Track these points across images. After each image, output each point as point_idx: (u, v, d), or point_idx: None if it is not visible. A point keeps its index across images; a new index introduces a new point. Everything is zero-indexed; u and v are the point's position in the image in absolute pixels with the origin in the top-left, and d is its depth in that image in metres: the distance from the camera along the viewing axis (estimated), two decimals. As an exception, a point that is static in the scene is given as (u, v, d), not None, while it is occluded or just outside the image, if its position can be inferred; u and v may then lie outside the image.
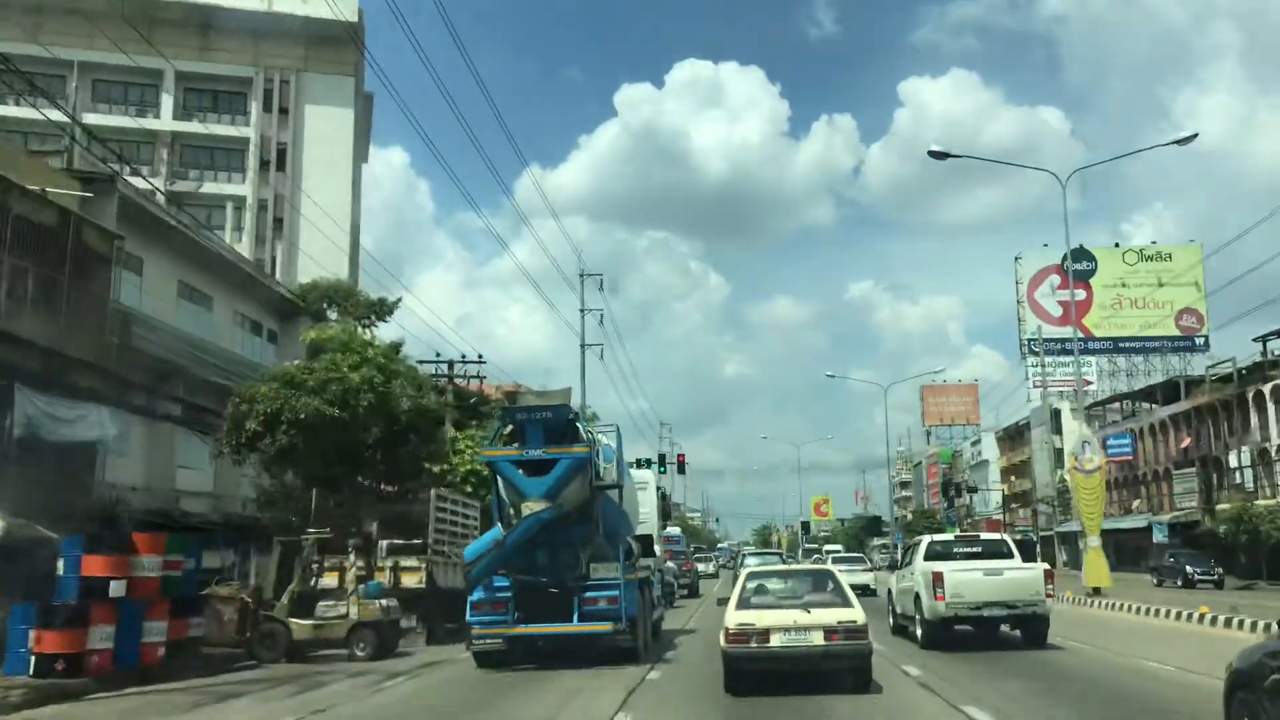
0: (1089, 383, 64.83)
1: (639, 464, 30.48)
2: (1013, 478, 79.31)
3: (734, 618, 10.43)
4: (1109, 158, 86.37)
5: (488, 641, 12.74)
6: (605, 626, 12.67)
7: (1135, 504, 55.70)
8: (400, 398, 19.58)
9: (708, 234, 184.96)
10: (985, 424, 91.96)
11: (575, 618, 12.87)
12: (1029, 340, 66.79)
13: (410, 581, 17.62)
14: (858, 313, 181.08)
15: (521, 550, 12.77)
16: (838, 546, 73.66)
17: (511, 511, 12.86)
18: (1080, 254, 66.86)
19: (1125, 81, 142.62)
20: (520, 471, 12.53)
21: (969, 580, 14.50)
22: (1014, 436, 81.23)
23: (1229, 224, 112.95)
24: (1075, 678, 11.61)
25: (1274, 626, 6.48)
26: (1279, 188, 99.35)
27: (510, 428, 13.14)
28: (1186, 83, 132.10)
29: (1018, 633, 15.36)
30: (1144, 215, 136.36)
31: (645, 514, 21.45)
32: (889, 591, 18.60)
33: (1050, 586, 14.89)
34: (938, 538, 17.67)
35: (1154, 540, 47.44)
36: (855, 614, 10.29)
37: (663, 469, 41.10)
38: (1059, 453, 59.99)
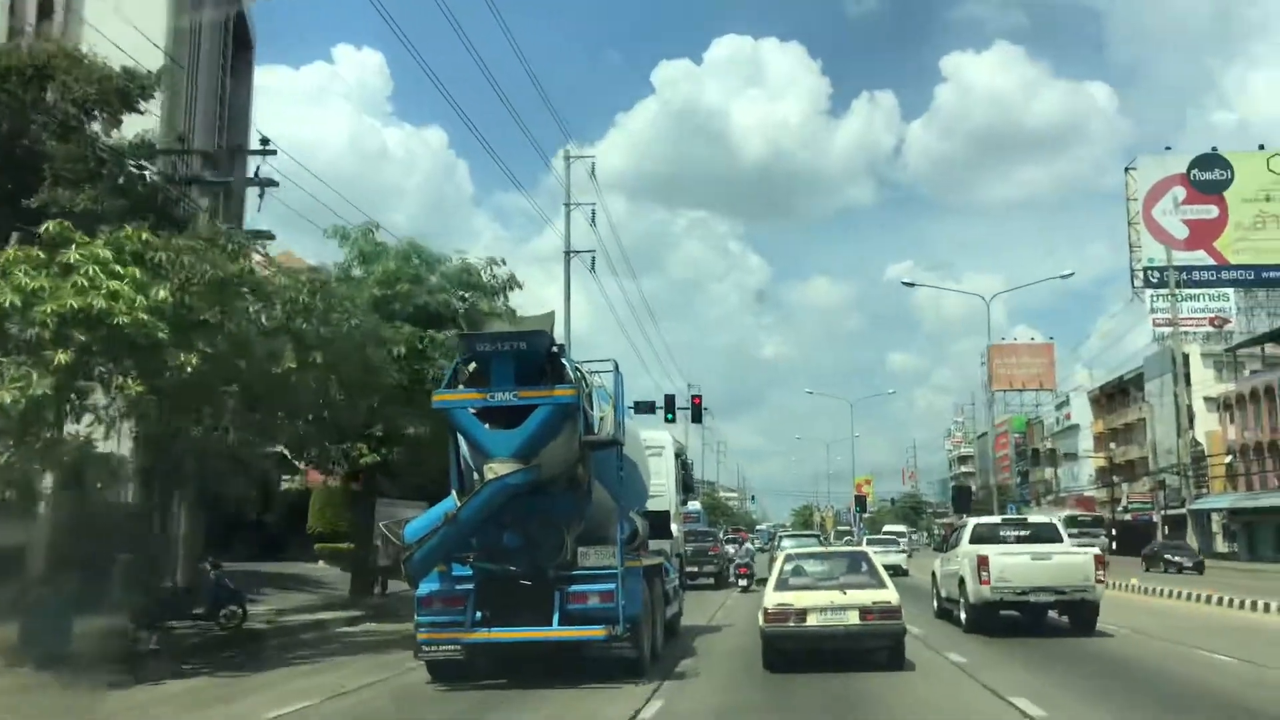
0: (1226, 321, 59.91)
1: (638, 408, 29.61)
2: (1113, 445, 74.26)
3: (772, 598, 12.14)
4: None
5: (441, 649, 11.16)
6: (596, 631, 10.88)
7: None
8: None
9: (747, 214, 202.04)
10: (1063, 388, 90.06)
11: (556, 619, 11.01)
12: (1146, 269, 62.06)
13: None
14: (898, 293, 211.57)
15: (483, 528, 11.08)
16: (900, 528, 69.64)
17: (477, 477, 11.12)
18: (1211, 160, 62.54)
19: (1175, 56, 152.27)
20: (484, 423, 10.91)
21: (1015, 564, 15.62)
22: (1113, 395, 76.39)
23: None
24: (1127, 667, 12.58)
25: None
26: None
27: (472, 364, 11.44)
28: (1239, 55, 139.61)
29: (1065, 619, 16.51)
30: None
31: (660, 485, 19.57)
32: (933, 574, 19.95)
33: (1101, 572, 15.81)
34: (984, 520, 18.99)
35: None
36: (889, 595, 11.94)
37: (670, 416, 36.17)
38: (1188, 410, 55.51)
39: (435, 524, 10.99)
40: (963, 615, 16.55)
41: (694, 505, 39.36)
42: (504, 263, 22.22)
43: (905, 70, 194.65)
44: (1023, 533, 17.46)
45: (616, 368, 12.38)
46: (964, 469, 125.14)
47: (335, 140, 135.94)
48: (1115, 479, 72.78)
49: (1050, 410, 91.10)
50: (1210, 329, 60.48)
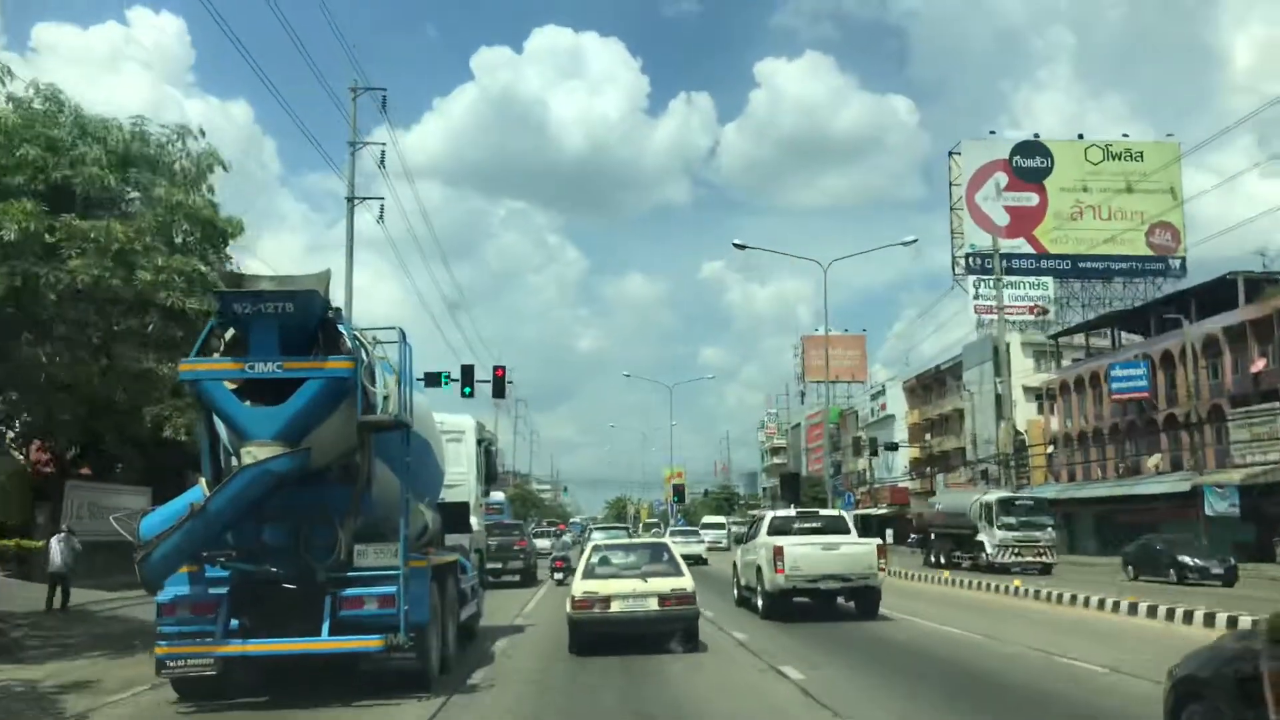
0: (1045, 310, 62.45)
1: (428, 381, 27.99)
2: (928, 435, 76.41)
3: (579, 586, 13.72)
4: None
5: (189, 664, 9.85)
6: (374, 642, 9.99)
7: (1154, 461, 48.63)
8: None
9: (565, 207, 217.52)
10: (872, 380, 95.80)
11: (327, 628, 10.00)
12: (968, 255, 64.37)
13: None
14: (709, 292, 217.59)
15: (240, 523, 9.97)
16: (720, 519, 69.31)
17: (236, 463, 10.04)
18: (1032, 147, 66.18)
19: (970, 76, 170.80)
20: (242, 399, 9.79)
21: (807, 554, 17.70)
22: (929, 386, 77.74)
23: None
24: (893, 643, 15.01)
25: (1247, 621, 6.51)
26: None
27: (230, 330, 10.35)
28: (1025, 80, 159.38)
29: (851, 604, 18.61)
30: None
31: (459, 474, 18.69)
32: (733, 565, 21.91)
33: (883, 561, 18.28)
34: (779, 513, 21.14)
35: (1205, 512, 39.33)
36: (685, 582, 13.73)
37: (467, 390, 32.12)
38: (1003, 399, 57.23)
39: (179, 517, 9.60)
40: (759, 602, 18.54)
41: (497, 496, 39.47)
42: (203, 135, 16.79)
43: (721, 73, 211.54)
44: (815, 525, 19.41)
45: (403, 336, 11.13)
46: (776, 460, 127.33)
47: (131, 110, 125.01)
48: (930, 470, 74.96)
49: (864, 401, 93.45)
50: (1029, 318, 62.91)
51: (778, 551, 17.62)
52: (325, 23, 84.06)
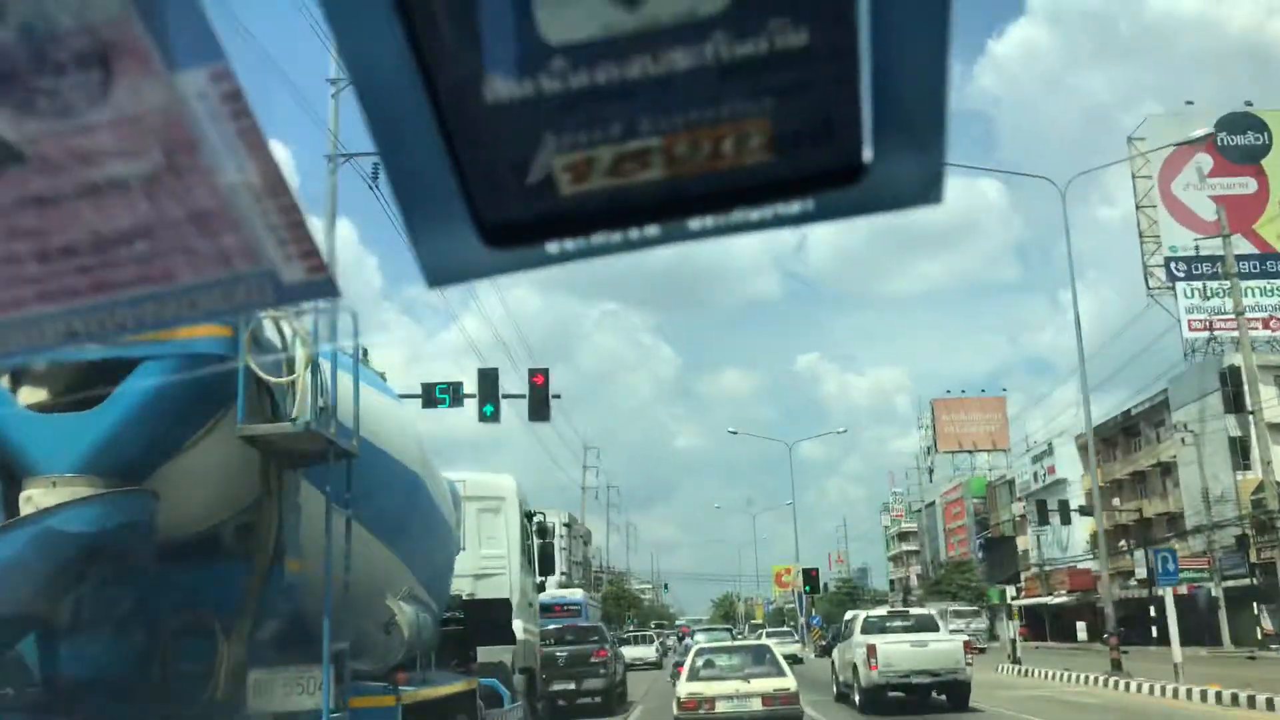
0: (1273, 319, 55.91)
1: (425, 399, 24.79)
2: (1116, 500, 69.53)
3: (685, 689, 15.53)
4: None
5: None
6: None
7: None
8: None
9: (658, 305, 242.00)
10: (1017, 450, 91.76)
11: None
12: (1170, 260, 58.72)
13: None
14: (805, 384, 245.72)
15: (7, 632, 6.13)
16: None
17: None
18: (1242, 120, 61.50)
19: (1056, 156, 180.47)
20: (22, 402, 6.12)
21: (898, 651, 20.87)
22: (1113, 440, 70.12)
23: None
24: None
25: None
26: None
27: None
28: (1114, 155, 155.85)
29: (944, 697, 21.36)
30: (1081, 282, 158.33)
31: (497, 559, 15.08)
32: (831, 662, 25.58)
33: (970, 657, 21.53)
34: (873, 613, 25.31)
35: None
36: (788, 682, 15.47)
37: (489, 409, 25.17)
38: (1240, 443, 50.85)
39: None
40: (857, 697, 21.95)
41: (572, 595, 37.27)
42: None
43: None
44: (906, 623, 23.04)
45: (356, 321, 7.37)
46: (906, 547, 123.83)
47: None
48: (1125, 543, 66.82)
49: (1024, 466, 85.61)
50: (1264, 333, 56.08)
51: (871, 650, 20.93)
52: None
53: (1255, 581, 50.19)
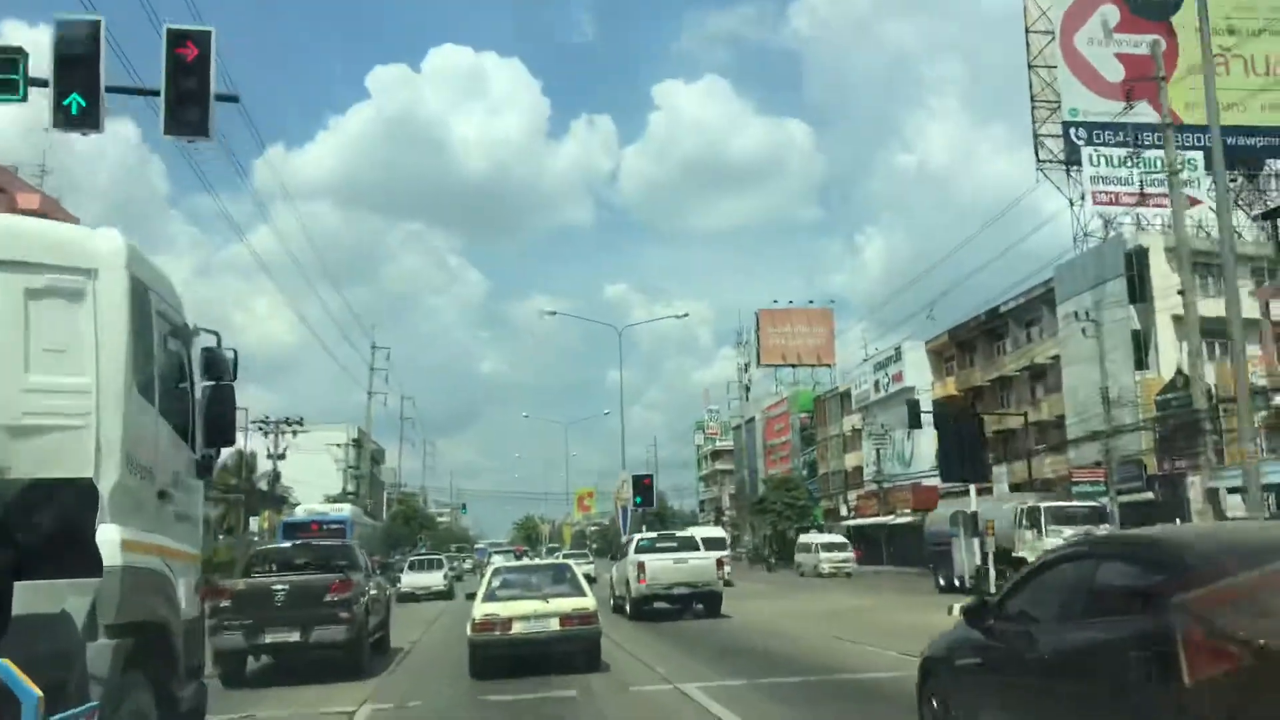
0: (1196, 201, 46.99)
1: None
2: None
3: (480, 610, 15.42)
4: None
5: None
6: None
7: None
8: None
9: (466, 228, 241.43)
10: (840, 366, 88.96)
11: None
12: (1072, 124, 51.46)
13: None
14: (613, 314, 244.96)
15: None
16: (715, 531, 58.73)
17: None
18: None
19: (862, 100, 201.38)
20: None
21: (663, 567, 25.61)
22: (972, 343, 64.46)
23: (948, 237, 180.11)
24: (723, 634, 21.65)
25: (954, 610, 8.61)
26: (990, 206, 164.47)
27: None
28: (918, 107, 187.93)
29: (701, 606, 25.92)
30: (875, 227, 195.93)
31: (59, 391, 6.63)
32: (610, 578, 30.48)
33: (722, 571, 27.39)
34: (644, 536, 30.54)
35: None
36: (588, 602, 15.78)
37: (76, 106, 13.66)
38: (1142, 338, 44.25)
39: None
40: (628, 607, 25.99)
41: (336, 510, 40.02)
42: None
43: (621, 96, 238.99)
44: (671, 544, 27.61)
45: None
46: (720, 466, 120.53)
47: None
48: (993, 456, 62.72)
49: (862, 374, 76.95)
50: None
51: (640, 566, 25.48)
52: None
53: (1155, 496, 43.07)
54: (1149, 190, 44.99)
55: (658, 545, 26.95)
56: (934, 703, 8.08)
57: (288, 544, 21.40)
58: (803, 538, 63.50)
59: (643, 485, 49.30)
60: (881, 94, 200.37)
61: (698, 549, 26.95)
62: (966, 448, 35.02)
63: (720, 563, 26.74)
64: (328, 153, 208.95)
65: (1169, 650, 5.18)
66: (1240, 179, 50.76)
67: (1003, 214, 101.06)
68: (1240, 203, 50.39)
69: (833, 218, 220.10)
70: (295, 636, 15.43)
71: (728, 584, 35.05)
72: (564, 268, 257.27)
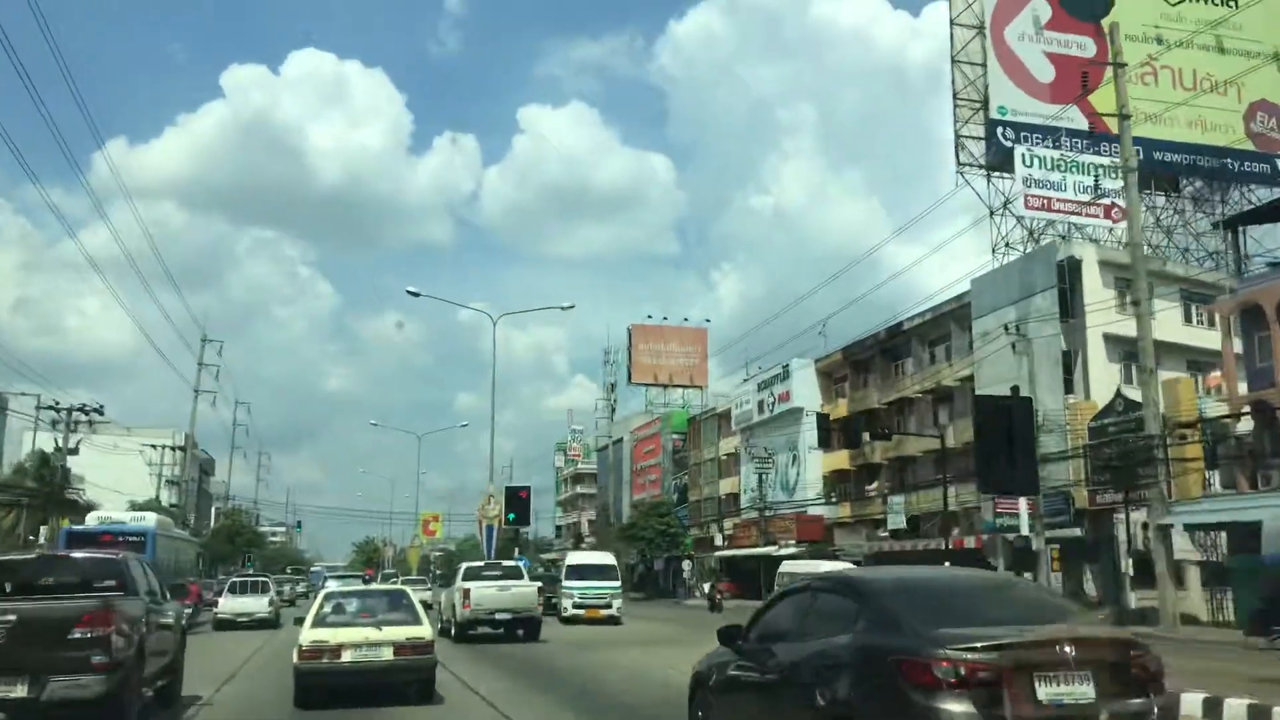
0: (1115, 207, 44.55)
1: None
2: (866, 436, 55.98)
3: (308, 635, 14.48)
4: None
5: None
6: None
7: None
8: None
9: (320, 238, 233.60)
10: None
11: None
12: (1000, 122, 48.30)
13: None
14: (466, 335, 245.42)
15: None
16: (605, 558, 53.72)
17: None
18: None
19: (722, 141, 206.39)
20: None
21: (486, 594, 27.60)
22: (866, 363, 61.17)
23: (801, 279, 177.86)
24: (535, 656, 23.21)
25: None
26: (841, 251, 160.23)
27: None
28: (772, 150, 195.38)
29: (521, 632, 27.47)
30: (731, 264, 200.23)
31: None
32: (439, 602, 32.77)
33: (541, 599, 28.98)
34: (472, 564, 31.83)
35: None
36: (424, 630, 14.93)
37: None
38: (1073, 357, 41.06)
39: None
40: (453, 630, 27.63)
41: (135, 520, 37.78)
42: None
43: (486, 116, 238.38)
44: (496, 573, 29.49)
45: None
46: (581, 489, 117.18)
47: None
48: (879, 485, 57.22)
49: (744, 393, 72.93)
50: (1108, 222, 45.81)
51: (465, 593, 27.35)
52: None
53: (1084, 534, 39.72)
54: (1080, 198, 41.28)
55: (484, 573, 29.05)
56: (700, 713, 9.43)
57: (31, 555, 17.24)
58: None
59: (518, 499, 42.27)
60: (742, 135, 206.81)
61: (521, 578, 29.37)
62: (1018, 448, 22.98)
63: (540, 590, 29.57)
64: (176, 150, 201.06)
65: (855, 660, 7.09)
66: (1163, 196, 47.80)
67: (919, 218, 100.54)
68: (1161, 225, 47.53)
69: (689, 253, 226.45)
70: (19, 692, 10.93)
71: (615, 620, 36.22)
72: (422, 285, 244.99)
